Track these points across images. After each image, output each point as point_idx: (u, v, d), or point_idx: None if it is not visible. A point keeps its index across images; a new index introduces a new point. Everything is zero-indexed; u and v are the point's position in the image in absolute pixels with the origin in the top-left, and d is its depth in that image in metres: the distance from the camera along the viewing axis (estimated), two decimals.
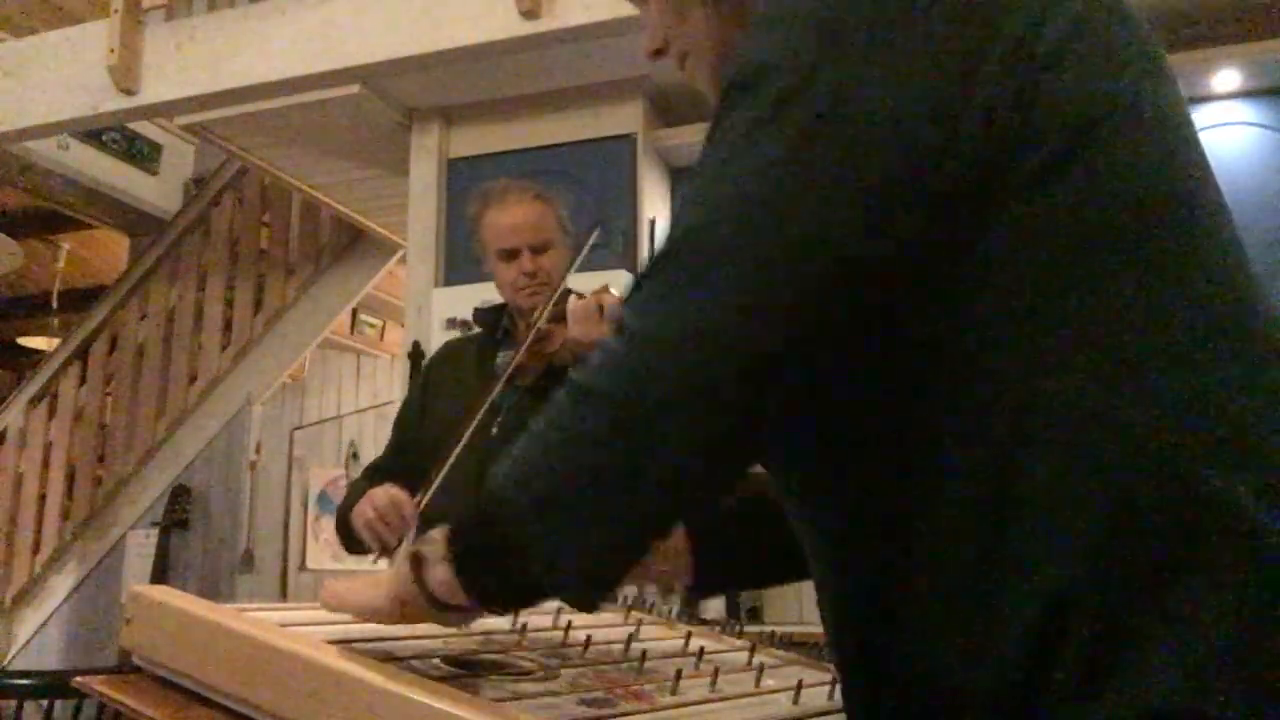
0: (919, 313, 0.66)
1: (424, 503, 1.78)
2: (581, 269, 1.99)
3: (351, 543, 1.91)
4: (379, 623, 0.82)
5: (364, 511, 1.77)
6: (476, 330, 2.12)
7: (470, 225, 2.03)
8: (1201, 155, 0.73)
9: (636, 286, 0.69)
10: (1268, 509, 0.61)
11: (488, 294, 2.82)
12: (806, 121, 0.65)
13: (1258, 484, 0.61)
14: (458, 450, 1.78)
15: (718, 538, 1.08)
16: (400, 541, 1.77)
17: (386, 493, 1.77)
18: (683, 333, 0.64)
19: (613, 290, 1.77)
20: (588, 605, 0.74)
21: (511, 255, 1.94)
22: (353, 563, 5.34)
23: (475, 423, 1.79)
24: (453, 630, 1.01)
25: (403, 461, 2.01)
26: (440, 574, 0.75)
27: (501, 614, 0.84)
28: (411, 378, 3.34)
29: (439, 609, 0.77)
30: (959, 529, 0.65)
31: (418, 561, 0.77)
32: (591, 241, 1.92)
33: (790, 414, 0.68)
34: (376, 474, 2.01)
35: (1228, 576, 0.59)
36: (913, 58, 0.65)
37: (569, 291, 1.90)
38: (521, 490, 0.69)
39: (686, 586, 1.11)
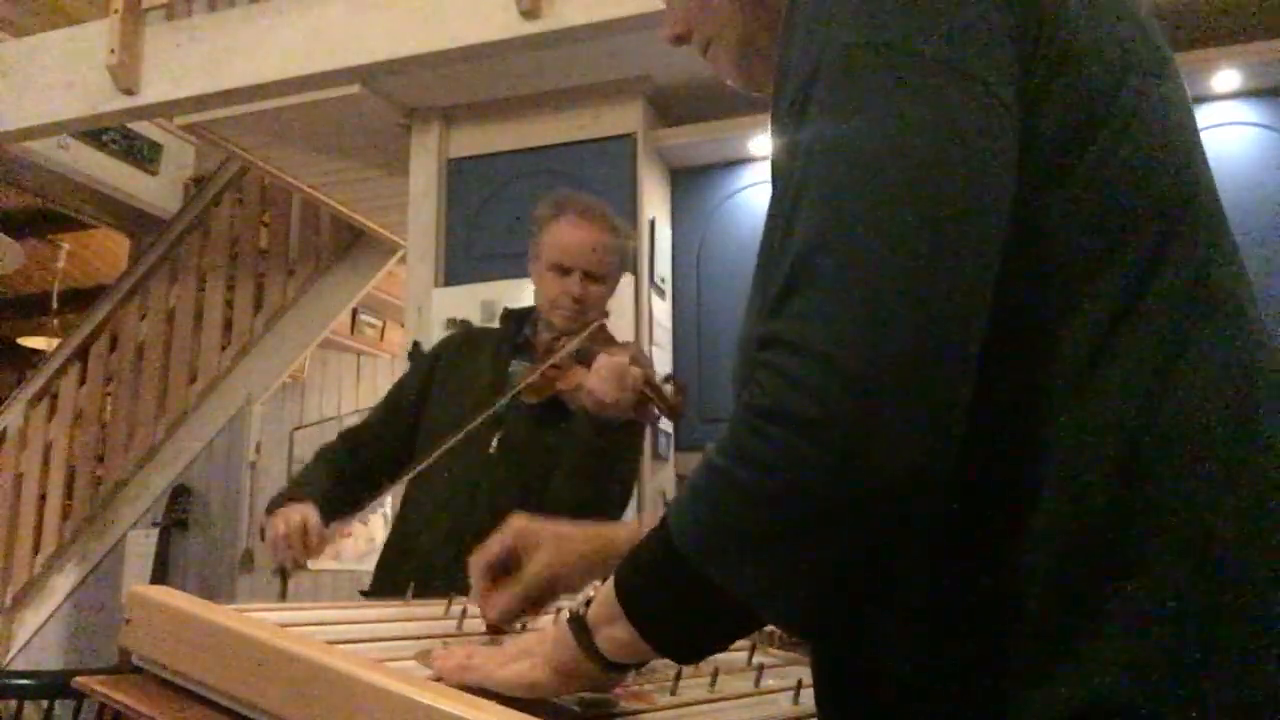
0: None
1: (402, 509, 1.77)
2: None
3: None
4: (533, 695, 0.75)
5: (276, 526, 1.74)
6: (495, 326, 2.09)
7: (534, 227, 1.99)
8: (1201, 157, 0.73)
9: (786, 294, 0.60)
10: (1217, 510, 0.61)
11: (488, 294, 2.82)
12: (927, 95, 0.60)
13: (1211, 486, 0.62)
14: (445, 447, 1.76)
15: None
16: (301, 565, 1.75)
17: (301, 514, 1.74)
18: (875, 336, 0.56)
19: (640, 361, 1.77)
20: (817, 640, 0.68)
21: (566, 272, 1.91)
22: (353, 562, 5.32)
23: (480, 421, 1.79)
24: (452, 633, 1.01)
25: (385, 433, 1.99)
26: (617, 634, 0.69)
27: (690, 663, 0.78)
28: None
29: (612, 671, 0.73)
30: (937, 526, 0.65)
31: (581, 627, 0.71)
32: (582, 336, 1.89)
33: None
34: (350, 440, 2.00)
35: (1174, 576, 0.60)
36: (982, 27, 0.63)
37: (602, 328, 1.90)
38: (719, 535, 0.61)
39: None
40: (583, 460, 1.79)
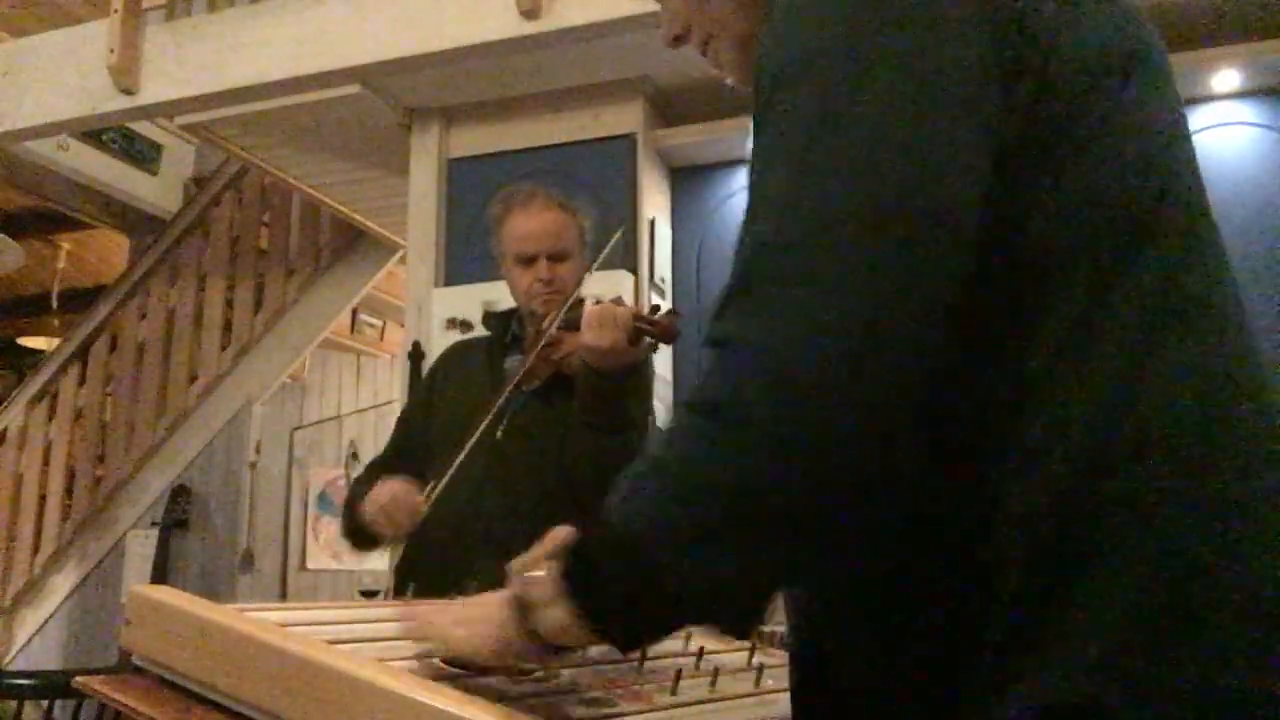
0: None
1: (433, 498, 1.79)
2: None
3: (359, 539, 1.92)
4: (479, 665, 0.77)
5: (375, 501, 1.79)
6: (484, 334, 2.12)
7: (490, 226, 2.03)
8: (1182, 155, 0.72)
9: (732, 295, 0.63)
10: (1185, 510, 0.61)
11: (488, 294, 2.83)
12: (885, 93, 0.61)
13: (1178, 486, 0.61)
14: (466, 450, 1.78)
15: None
16: (409, 530, 1.80)
17: (392, 487, 1.79)
18: (817, 333, 0.57)
19: (625, 301, 1.80)
20: (743, 635, 0.69)
21: (530, 261, 1.94)
22: (353, 561, 5.33)
23: (484, 426, 1.80)
24: None
25: (405, 459, 2.01)
26: (556, 617, 0.69)
27: (628, 651, 0.78)
28: (411, 378, 3.33)
29: (549, 652, 0.74)
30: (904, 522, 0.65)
31: (523, 606, 0.72)
32: (614, 242, 1.93)
33: None
34: (377, 470, 2.01)
35: (1131, 571, 0.60)
36: (955, 28, 0.64)
37: (582, 300, 1.92)
38: (660, 524, 0.63)
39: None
40: (587, 411, 1.79)
